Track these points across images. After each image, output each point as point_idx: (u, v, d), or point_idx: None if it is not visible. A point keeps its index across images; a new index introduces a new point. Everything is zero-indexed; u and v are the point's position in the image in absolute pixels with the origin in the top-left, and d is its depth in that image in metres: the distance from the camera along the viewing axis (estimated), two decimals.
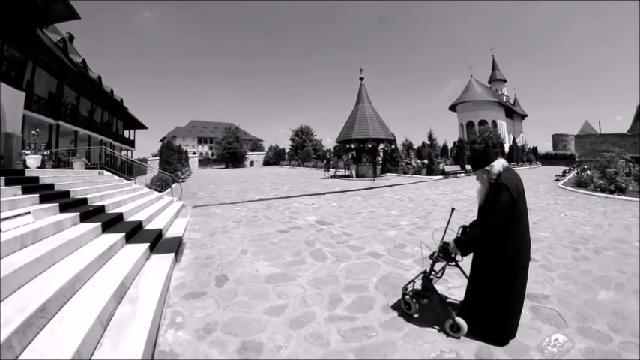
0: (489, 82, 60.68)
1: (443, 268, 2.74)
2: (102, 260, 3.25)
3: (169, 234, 5.36)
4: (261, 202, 9.76)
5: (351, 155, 22.41)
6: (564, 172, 19.98)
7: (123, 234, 4.09)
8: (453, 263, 2.59)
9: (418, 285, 2.84)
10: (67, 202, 4.59)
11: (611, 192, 10.40)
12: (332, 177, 20.64)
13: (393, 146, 24.18)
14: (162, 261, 3.84)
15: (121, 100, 26.89)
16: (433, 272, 2.70)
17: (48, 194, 4.68)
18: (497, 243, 2.30)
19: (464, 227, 2.59)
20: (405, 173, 22.29)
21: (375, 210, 8.07)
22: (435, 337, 2.43)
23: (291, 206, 8.74)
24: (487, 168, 2.38)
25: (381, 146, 22.32)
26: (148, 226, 5.33)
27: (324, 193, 11.76)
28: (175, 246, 4.57)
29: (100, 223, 4.14)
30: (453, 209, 2.89)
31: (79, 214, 4.22)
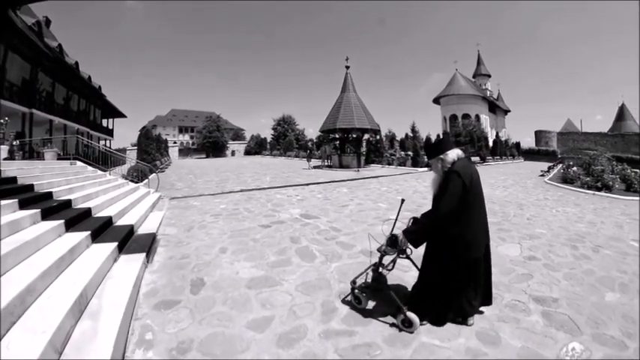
0: (474, 77, 61.84)
1: (394, 261, 2.75)
2: (61, 265, 2.86)
3: (142, 230, 4.98)
4: (242, 193, 9.37)
5: (333, 145, 22.17)
6: (549, 167, 20.73)
7: (88, 232, 3.70)
8: (404, 256, 2.61)
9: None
10: (28, 198, 4.16)
11: (598, 189, 10.79)
12: (314, 167, 20.36)
13: (377, 137, 24.14)
14: (131, 263, 3.47)
15: (99, 87, 26.08)
16: (382, 266, 2.70)
17: (7, 189, 4.24)
18: (448, 233, 2.33)
19: (414, 218, 2.60)
20: (389, 164, 22.34)
21: (362, 202, 7.89)
22: (448, 353, 2.22)
23: (274, 198, 8.41)
24: (441, 156, 2.43)
25: (366, 136, 22.21)
26: (119, 222, 4.92)
27: (307, 184, 11.48)
28: (147, 244, 4.19)
29: (62, 221, 3.71)
30: (402, 200, 2.90)
31: (40, 210, 3.78)
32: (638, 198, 9.51)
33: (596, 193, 10.52)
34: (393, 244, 2.49)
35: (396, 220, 2.75)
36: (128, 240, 4.28)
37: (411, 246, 2.48)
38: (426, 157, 2.82)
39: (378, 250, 2.64)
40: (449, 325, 2.52)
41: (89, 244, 3.62)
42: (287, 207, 7.17)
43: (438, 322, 2.49)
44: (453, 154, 2.41)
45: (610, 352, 2.27)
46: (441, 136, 33.99)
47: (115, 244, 3.70)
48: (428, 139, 40.27)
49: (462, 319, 2.52)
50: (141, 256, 3.66)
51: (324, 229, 5.34)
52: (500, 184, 12.87)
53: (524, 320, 2.64)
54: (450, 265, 2.38)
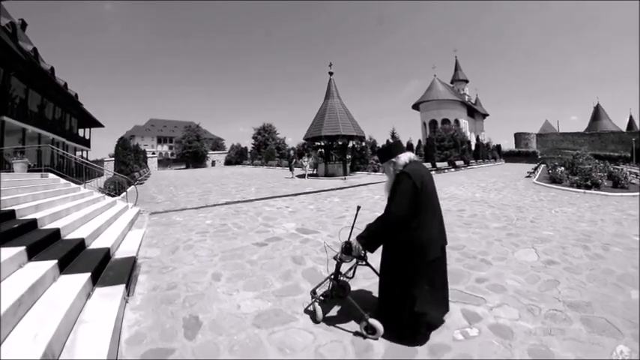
0: (452, 83, 64.63)
1: (353, 268, 2.81)
2: (20, 310, 2.34)
3: (120, 253, 4.50)
4: (228, 206, 9.03)
5: (318, 153, 22.14)
6: (534, 169, 21.61)
7: (55, 261, 3.18)
8: (363, 262, 2.64)
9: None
10: None
11: (588, 187, 11.28)
12: (298, 176, 20.20)
13: (363, 143, 24.35)
14: (108, 299, 2.98)
15: (76, 95, 25.44)
16: (340, 274, 2.76)
17: None
18: (402, 237, 2.37)
19: (369, 224, 2.60)
20: (375, 171, 22.51)
21: (359, 213, 7.73)
22: None
23: (263, 210, 8.13)
24: (393, 160, 2.53)
25: (350, 143, 22.35)
26: (93, 245, 4.40)
27: (296, 194, 11.28)
28: (127, 272, 3.74)
29: (24, 247, 3.17)
30: (358, 207, 3.01)
31: None
32: (627, 194, 10.01)
33: (587, 191, 11.00)
34: (347, 251, 2.54)
35: (353, 227, 2.76)
36: (104, 267, 3.77)
37: (367, 251, 2.53)
38: (379, 161, 2.93)
39: (334, 258, 2.68)
40: (497, 346, 2.38)
41: (56, 277, 3.09)
42: (280, 220, 6.90)
43: (405, 337, 2.41)
44: (405, 157, 2.52)
45: None
46: (423, 142, 34.90)
47: (88, 274, 3.19)
48: (409, 144, 41.16)
49: (427, 330, 2.48)
50: (120, 289, 3.20)
51: (327, 246, 5.09)
52: (492, 187, 13.22)
53: (568, 330, 2.58)
54: (408, 270, 2.39)
